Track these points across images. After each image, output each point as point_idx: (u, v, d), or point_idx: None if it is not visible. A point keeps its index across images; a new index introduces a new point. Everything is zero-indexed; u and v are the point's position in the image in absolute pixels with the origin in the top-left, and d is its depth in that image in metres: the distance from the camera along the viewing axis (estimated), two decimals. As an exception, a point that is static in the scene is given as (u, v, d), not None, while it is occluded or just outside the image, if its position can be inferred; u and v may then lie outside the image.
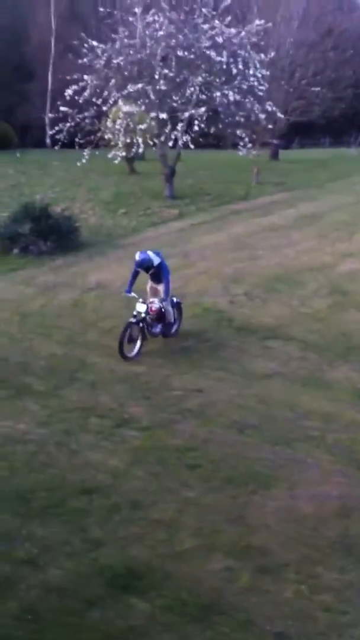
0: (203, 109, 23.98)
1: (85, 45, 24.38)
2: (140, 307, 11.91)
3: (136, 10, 24.29)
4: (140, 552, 6.68)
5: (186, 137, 24.19)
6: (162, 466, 8.39)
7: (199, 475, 8.18)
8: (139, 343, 12.03)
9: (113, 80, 23.98)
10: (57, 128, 24.69)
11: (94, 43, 24.34)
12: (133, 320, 11.93)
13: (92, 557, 6.58)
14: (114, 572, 6.30)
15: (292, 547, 6.82)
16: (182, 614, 5.83)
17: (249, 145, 25.85)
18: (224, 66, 24.11)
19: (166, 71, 23.49)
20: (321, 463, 8.57)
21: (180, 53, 23.77)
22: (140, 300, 12.08)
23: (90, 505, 7.46)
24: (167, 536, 6.95)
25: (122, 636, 5.56)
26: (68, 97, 24.21)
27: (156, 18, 24.07)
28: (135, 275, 12.36)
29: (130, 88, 23.60)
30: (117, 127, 25.21)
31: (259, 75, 24.99)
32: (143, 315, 11.95)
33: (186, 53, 23.78)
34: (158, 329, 12.38)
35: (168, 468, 8.36)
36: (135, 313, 11.95)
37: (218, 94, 23.95)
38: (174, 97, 24.08)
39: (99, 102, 23.86)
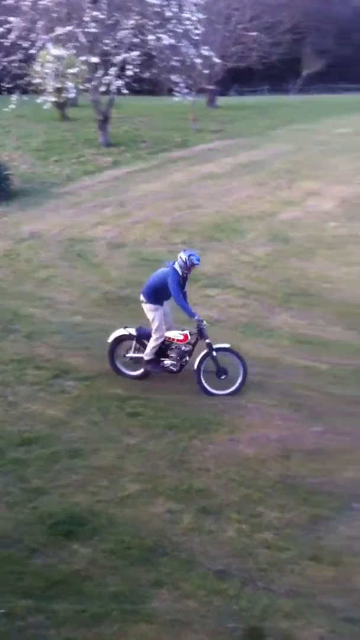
0: (136, 53, 23.33)
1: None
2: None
3: None
4: (82, 499, 6.65)
5: (119, 82, 23.52)
6: (102, 415, 8.33)
7: (140, 423, 8.17)
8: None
9: (41, 23, 22.97)
10: (-19, 72, 23.61)
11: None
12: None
13: (32, 505, 6.52)
14: (55, 520, 6.27)
15: (234, 489, 6.90)
16: (125, 556, 5.85)
17: (185, 91, 25.39)
18: (158, 9, 23.38)
19: (96, 13, 22.64)
20: (262, 407, 8.65)
21: (110, -6, 22.96)
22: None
23: (29, 455, 7.38)
24: (109, 482, 6.94)
25: (65, 581, 5.55)
26: (-7, 40, 23.10)
27: None
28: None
29: (59, 31, 22.68)
30: (46, 71, 24.35)
31: (194, 19, 24.38)
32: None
33: (117, -6, 22.99)
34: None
35: (109, 417, 8.31)
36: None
37: (152, 37, 23.29)
38: (106, 41, 23.28)
39: (27, 45, 22.84)
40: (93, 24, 22.66)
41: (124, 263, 14.46)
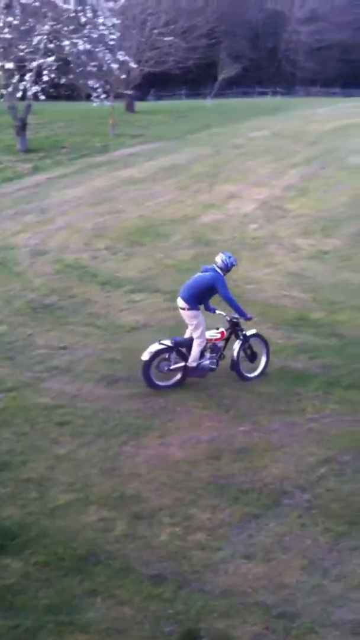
0: (52, 59, 23.20)
1: None
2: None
3: None
4: (12, 512, 6.53)
5: (36, 88, 23.30)
6: (30, 425, 8.21)
7: (69, 432, 8.09)
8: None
9: None
10: None
11: None
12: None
13: None
14: (-16, 536, 6.13)
15: (166, 492, 6.93)
16: (58, 568, 5.78)
17: (103, 96, 25.38)
18: (72, 14, 23.30)
19: (10, 19, 22.35)
20: (191, 410, 8.72)
21: (24, 0, 22.69)
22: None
23: None
24: (40, 494, 6.84)
25: (-3, 597, 5.44)
26: None
27: None
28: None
29: (-28, 36, 22.32)
30: None
31: (109, 24, 24.41)
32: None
33: (31, 0, 22.74)
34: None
35: (37, 427, 8.19)
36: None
37: (67, 42, 23.19)
38: (21, 46, 23.02)
39: None
40: (7, 30, 22.37)
41: (48, 270, 14.31)
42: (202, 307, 9.44)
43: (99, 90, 24.87)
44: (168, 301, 12.58)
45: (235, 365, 9.49)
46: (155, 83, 52.20)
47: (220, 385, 9.39)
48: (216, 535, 6.31)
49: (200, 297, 9.27)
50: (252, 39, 63.29)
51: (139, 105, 42.37)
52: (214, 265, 9.34)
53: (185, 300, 9.17)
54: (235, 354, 9.47)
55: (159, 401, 8.88)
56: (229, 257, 9.37)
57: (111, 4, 25.29)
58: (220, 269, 9.27)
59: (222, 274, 9.25)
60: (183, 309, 9.23)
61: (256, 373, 9.67)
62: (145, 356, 9.09)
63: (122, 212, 18.74)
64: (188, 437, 8.03)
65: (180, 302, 9.25)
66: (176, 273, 14.10)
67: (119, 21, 26.20)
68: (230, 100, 52.21)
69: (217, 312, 9.62)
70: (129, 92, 36.55)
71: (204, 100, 49.07)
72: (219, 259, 9.33)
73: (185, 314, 9.25)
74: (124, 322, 11.73)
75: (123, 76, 28.43)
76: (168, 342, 9.21)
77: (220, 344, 9.53)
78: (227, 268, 9.32)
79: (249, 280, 13.73)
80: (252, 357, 9.65)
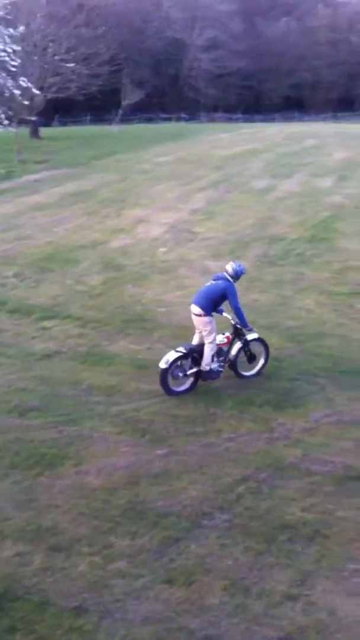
0: None
1: None
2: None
3: None
4: None
5: None
6: None
7: (-19, 466, 7.84)
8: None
9: None
10: None
11: None
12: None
13: None
14: None
15: (84, 522, 6.81)
16: (-26, 608, 5.57)
17: (6, 122, 25.12)
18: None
19: None
20: (107, 436, 8.63)
21: None
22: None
23: None
24: None
25: None
26: None
27: None
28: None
29: None
30: None
31: (10, 50, 24.21)
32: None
33: None
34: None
35: None
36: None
37: (-34, 69, 22.87)
38: None
39: None
40: None
41: None
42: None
43: (2, 116, 24.60)
44: (80, 327, 12.50)
45: (232, 364, 10.27)
46: (59, 109, 52.12)
47: (137, 410, 9.35)
48: (136, 561, 6.25)
49: (214, 304, 9.87)
50: (154, 66, 64.36)
51: (44, 131, 42.14)
52: (225, 273, 9.96)
53: (201, 307, 9.73)
54: (233, 354, 10.21)
55: (73, 429, 8.75)
56: (239, 266, 10.04)
57: (11, 30, 25.09)
58: (231, 276, 9.90)
59: (233, 282, 9.86)
60: (199, 315, 9.76)
61: (253, 372, 10.41)
62: (163, 364, 9.56)
63: (30, 238, 18.51)
64: (105, 464, 7.94)
65: (196, 309, 9.79)
66: (87, 298, 14.02)
67: (19, 48, 26.01)
68: (136, 126, 52.76)
69: (224, 314, 10.29)
70: (33, 118, 36.30)
71: (110, 126, 49.38)
72: (230, 267, 9.98)
73: (200, 320, 9.79)
74: (36, 349, 11.53)
75: (26, 102, 28.18)
76: (183, 350, 9.75)
77: (226, 348, 10.18)
78: (237, 276, 9.97)
79: (161, 304, 13.80)
80: (251, 359, 10.36)
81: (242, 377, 10.36)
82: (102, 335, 12.19)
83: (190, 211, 21.63)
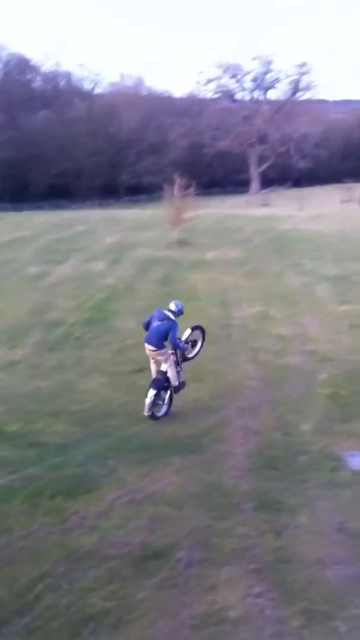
0: None
1: None
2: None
3: None
4: None
5: None
6: None
7: None
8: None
9: None
10: None
11: None
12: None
13: None
14: None
15: None
16: None
17: None
18: None
19: None
20: None
21: None
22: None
23: None
24: None
25: None
26: None
27: None
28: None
29: None
30: None
31: None
32: None
33: None
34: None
35: None
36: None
37: None
38: None
39: None
40: None
41: None
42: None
43: None
44: None
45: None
46: None
47: None
48: None
49: (163, 340, 11.94)
50: None
51: None
52: (168, 310, 12.03)
53: (154, 345, 11.95)
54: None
55: None
56: (179, 304, 12.22)
57: None
58: (174, 313, 12.03)
59: (176, 320, 12.01)
60: (153, 350, 12.00)
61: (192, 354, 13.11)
62: (146, 411, 11.89)
63: None
64: None
65: (149, 347, 12.02)
66: None
67: None
68: None
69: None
70: None
71: None
72: (173, 306, 12.13)
73: (156, 354, 12.05)
74: None
75: None
76: (154, 391, 11.91)
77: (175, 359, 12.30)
78: (180, 313, 12.15)
79: None
80: (193, 344, 13.10)
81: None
82: None
83: None
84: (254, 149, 76.86)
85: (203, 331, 13.19)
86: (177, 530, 8.31)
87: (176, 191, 33.69)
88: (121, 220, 43.29)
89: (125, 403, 12.90)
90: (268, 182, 75.29)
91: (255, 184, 77.07)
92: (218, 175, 78.84)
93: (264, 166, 76.70)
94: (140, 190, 70.60)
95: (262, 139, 76.07)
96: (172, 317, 12.01)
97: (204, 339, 13.19)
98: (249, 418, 12.10)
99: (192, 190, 34.41)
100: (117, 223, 41.69)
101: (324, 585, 7.30)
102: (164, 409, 12.20)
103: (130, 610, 6.73)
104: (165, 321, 11.94)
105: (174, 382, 12.14)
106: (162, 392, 12.11)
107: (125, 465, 10.15)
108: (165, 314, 12.03)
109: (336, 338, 16.82)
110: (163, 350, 12.01)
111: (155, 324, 12.01)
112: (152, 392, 11.88)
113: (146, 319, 12.39)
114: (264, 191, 72.53)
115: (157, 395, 11.96)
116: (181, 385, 12.35)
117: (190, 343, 12.86)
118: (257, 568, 7.55)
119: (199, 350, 13.10)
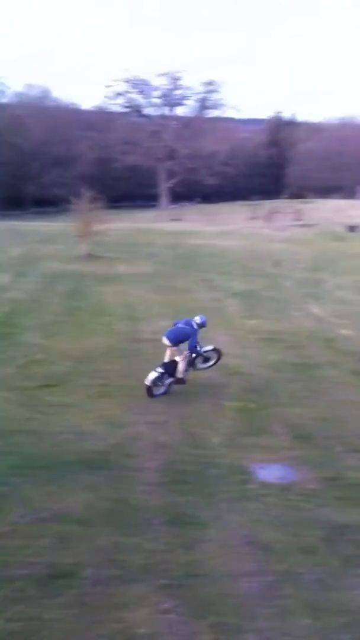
0: None
1: None
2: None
3: None
4: None
5: None
6: None
7: None
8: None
9: None
10: None
11: None
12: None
13: None
14: None
15: None
16: None
17: None
18: None
19: None
20: None
21: None
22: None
23: None
24: None
25: None
26: None
27: None
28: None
29: None
30: None
31: None
32: None
33: None
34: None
35: None
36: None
37: None
38: None
39: None
40: None
41: None
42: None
43: None
44: None
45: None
46: None
47: None
48: None
49: (179, 339, 13.53)
50: None
51: None
52: (194, 320, 13.76)
53: (170, 340, 13.50)
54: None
55: None
56: (203, 318, 13.94)
57: None
58: (199, 325, 13.76)
59: (197, 330, 13.68)
60: (170, 346, 13.54)
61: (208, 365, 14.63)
62: (148, 382, 13.34)
63: None
64: None
65: (166, 342, 13.54)
66: None
67: None
68: None
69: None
70: None
71: None
72: (199, 319, 13.85)
73: (172, 349, 13.56)
74: None
75: None
76: (162, 370, 13.43)
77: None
78: (203, 325, 13.88)
79: None
80: (205, 361, 14.60)
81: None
82: None
83: None
84: (163, 164, 77.53)
85: (219, 355, 14.56)
86: (84, 548, 8.11)
87: (84, 204, 33.42)
88: (27, 233, 42.54)
89: (30, 419, 12.51)
90: (177, 197, 76.16)
91: (164, 199, 77.72)
92: (127, 190, 78.85)
93: (173, 181, 77.45)
94: (47, 203, 69.40)
95: (171, 155, 76.83)
96: (195, 326, 13.67)
97: (217, 360, 14.53)
98: (158, 432, 11.99)
99: (100, 203, 34.22)
100: (22, 235, 40.93)
101: (234, 599, 7.28)
102: (161, 390, 13.57)
103: (36, 631, 6.49)
104: (188, 327, 13.64)
105: (180, 374, 13.59)
106: (166, 376, 13.51)
107: (30, 484, 9.83)
108: (190, 323, 13.74)
109: (245, 353, 17.01)
110: (176, 348, 13.53)
111: (180, 325, 13.77)
112: (159, 369, 13.39)
113: (176, 321, 14.22)
114: (173, 206, 73.24)
115: (161, 375, 13.41)
116: (182, 380, 13.70)
117: (203, 357, 14.28)
118: (166, 584, 7.46)
119: (209, 367, 14.54)
